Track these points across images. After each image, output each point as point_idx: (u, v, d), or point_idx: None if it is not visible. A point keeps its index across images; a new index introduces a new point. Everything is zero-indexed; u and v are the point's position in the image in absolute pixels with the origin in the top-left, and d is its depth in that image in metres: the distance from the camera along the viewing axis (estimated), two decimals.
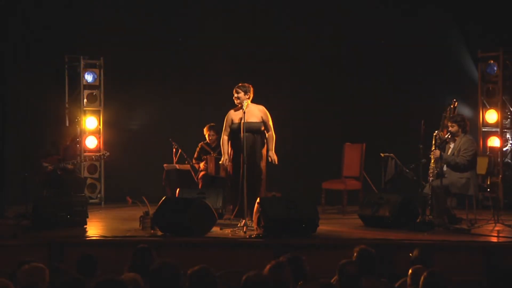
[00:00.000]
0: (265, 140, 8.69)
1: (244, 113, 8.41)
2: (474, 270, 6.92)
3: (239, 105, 8.57)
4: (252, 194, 8.26)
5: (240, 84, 8.63)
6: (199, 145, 10.33)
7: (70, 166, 9.68)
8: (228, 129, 8.70)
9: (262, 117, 8.65)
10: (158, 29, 11.31)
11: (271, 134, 8.68)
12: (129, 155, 11.29)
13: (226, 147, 8.72)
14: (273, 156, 8.64)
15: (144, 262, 5.30)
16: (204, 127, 10.29)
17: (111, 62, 11.34)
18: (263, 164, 8.66)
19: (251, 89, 8.62)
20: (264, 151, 8.68)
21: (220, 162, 9.00)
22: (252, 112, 8.61)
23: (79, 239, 7.86)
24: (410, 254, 5.87)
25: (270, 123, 8.68)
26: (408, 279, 5.00)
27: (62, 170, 9.45)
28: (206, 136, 10.26)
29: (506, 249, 7.45)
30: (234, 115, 8.66)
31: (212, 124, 10.25)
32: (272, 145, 8.67)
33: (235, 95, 8.59)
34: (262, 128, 8.66)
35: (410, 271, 5.02)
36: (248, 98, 8.60)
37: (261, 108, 8.72)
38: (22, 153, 10.02)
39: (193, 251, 7.41)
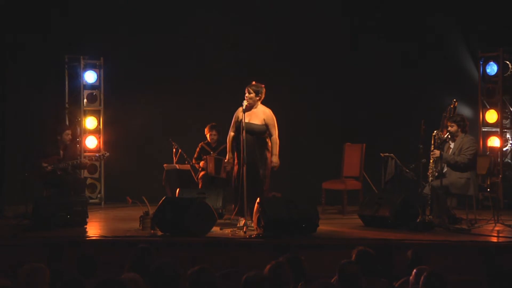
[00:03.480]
0: (269, 144, 8.63)
1: (244, 113, 8.41)
2: (474, 270, 6.92)
3: (249, 105, 8.55)
4: (249, 194, 8.24)
5: (253, 84, 8.60)
6: (199, 145, 10.32)
7: (85, 162, 9.77)
8: (235, 127, 8.68)
9: (264, 120, 8.57)
10: (158, 29, 11.31)
11: (274, 139, 8.60)
12: (129, 155, 11.29)
13: (230, 144, 8.70)
14: (276, 162, 8.56)
15: (144, 262, 5.30)
16: (205, 127, 10.27)
17: (111, 62, 11.34)
18: (263, 166, 8.58)
19: (263, 90, 8.60)
20: (267, 154, 8.59)
21: (225, 160, 8.99)
22: (256, 114, 8.58)
23: (79, 239, 7.85)
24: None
25: (274, 127, 8.59)
26: (412, 279, 4.99)
27: (62, 170, 9.43)
28: (208, 136, 10.24)
29: (506, 249, 7.45)
30: (241, 113, 8.58)
31: (213, 123, 10.24)
32: (276, 150, 8.59)
33: (247, 94, 8.53)
34: (264, 131, 8.59)
35: (414, 270, 5.02)
36: (259, 99, 8.59)
37: (267, 111, 8.63)
38: (22, 153, 10.00)
39: (193, 251, 7.40)
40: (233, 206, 8.73)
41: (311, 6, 11.29)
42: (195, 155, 10.30)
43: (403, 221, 8.46)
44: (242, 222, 8.30)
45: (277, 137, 8.61)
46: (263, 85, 8.64)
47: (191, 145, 10.48)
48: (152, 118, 11.38)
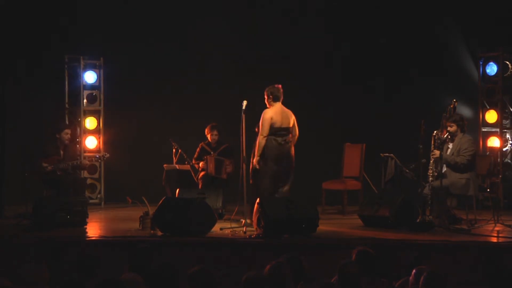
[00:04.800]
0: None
1: (243, 114, 8.46)
2: (474, 270, 6.92)
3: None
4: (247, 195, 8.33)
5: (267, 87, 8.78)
6: (200, 145, 10.30)
7: (85, 163, 9.78)
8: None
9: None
10: (158, 29, 11.31)
11: (257, 139, 8.65)
12: (129, 155, 11.29)
13: None
14: (254, 162, 8.58)
15: (144, 262, 5.30)
16: (206, 127, 10.25)
17: (111, 62, 11.34)
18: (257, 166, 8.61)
19: (270, 90, 8.70)
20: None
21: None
22: None
23: (79, 240, 7.85)
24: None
25: (262, 126, 8.62)
26: (411, 279, 4.99)
27: (62, 171, 9.42)
28: (208, 136, 10.22)
29: (506, 249, 7.45)
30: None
31: (214, 124, 10.23)
32: (256, 151, 8.59)
33: None
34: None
35: (414, 270, 5.01)
36: (272, 100, 8.70)
37: (266, 110, 8.72)
38: (22, 153, 9.99)
39: (193, 251, 7.40)
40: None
41: (311, 7, 11.30)
42: (196, 155, 10.28)
43: (403, 221, 8.46)
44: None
45: (261, 136, 8.58)
46: (274, 87, 8.75)
47: (191, 145, 10.47)
48: (152, 118, 11.37)
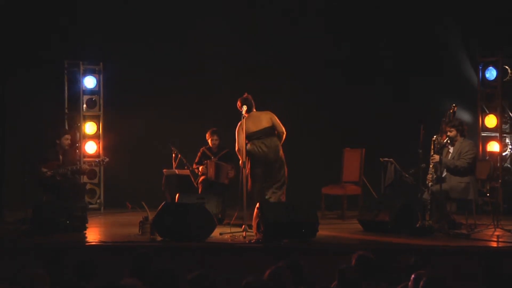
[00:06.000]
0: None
1: (244, 120, 8.59)
2: (474, 275, 6.90)
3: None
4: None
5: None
6: (201, 150, 10.29)
7: (85, 167, 9.75)
8: None
9: None
10: (158, 34, 11.31)
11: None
12: (128, 160, 11.28)
13: None
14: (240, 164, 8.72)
15: (144, 267, 5.30)
16: (206, 132, 10.25)
17: (111, 67, 11.34)
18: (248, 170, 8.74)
19: (242, 103, 8.84)
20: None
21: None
22: None
23: (79, 245, 7.84)
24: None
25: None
26: (410, 284, 4.99)
27: (61, 176, 9.42)
28: (209, 141, 10.21)
29: (505, 254, 7.44)
30: None
31: (214, 129, 10.22)
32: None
33: None
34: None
35: (413, 276, 5.00)
36: (246, 111, 8.82)
37: None
38: (22, 159, 9.98)
39: (192, 256, 7.39)
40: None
41: (311, 7, 11.31)
42: (196, 160, 10.27)
43: (402, 226, 8.45)
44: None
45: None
46: (245, 97, 8.91)
47: (190, 150, 10.46)
48: (151, 123, 11.37)
